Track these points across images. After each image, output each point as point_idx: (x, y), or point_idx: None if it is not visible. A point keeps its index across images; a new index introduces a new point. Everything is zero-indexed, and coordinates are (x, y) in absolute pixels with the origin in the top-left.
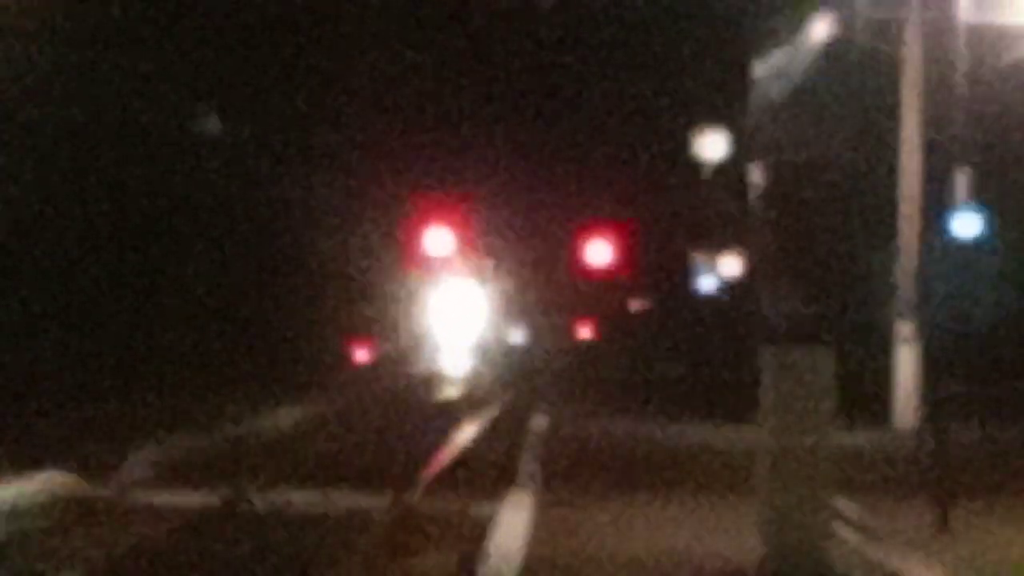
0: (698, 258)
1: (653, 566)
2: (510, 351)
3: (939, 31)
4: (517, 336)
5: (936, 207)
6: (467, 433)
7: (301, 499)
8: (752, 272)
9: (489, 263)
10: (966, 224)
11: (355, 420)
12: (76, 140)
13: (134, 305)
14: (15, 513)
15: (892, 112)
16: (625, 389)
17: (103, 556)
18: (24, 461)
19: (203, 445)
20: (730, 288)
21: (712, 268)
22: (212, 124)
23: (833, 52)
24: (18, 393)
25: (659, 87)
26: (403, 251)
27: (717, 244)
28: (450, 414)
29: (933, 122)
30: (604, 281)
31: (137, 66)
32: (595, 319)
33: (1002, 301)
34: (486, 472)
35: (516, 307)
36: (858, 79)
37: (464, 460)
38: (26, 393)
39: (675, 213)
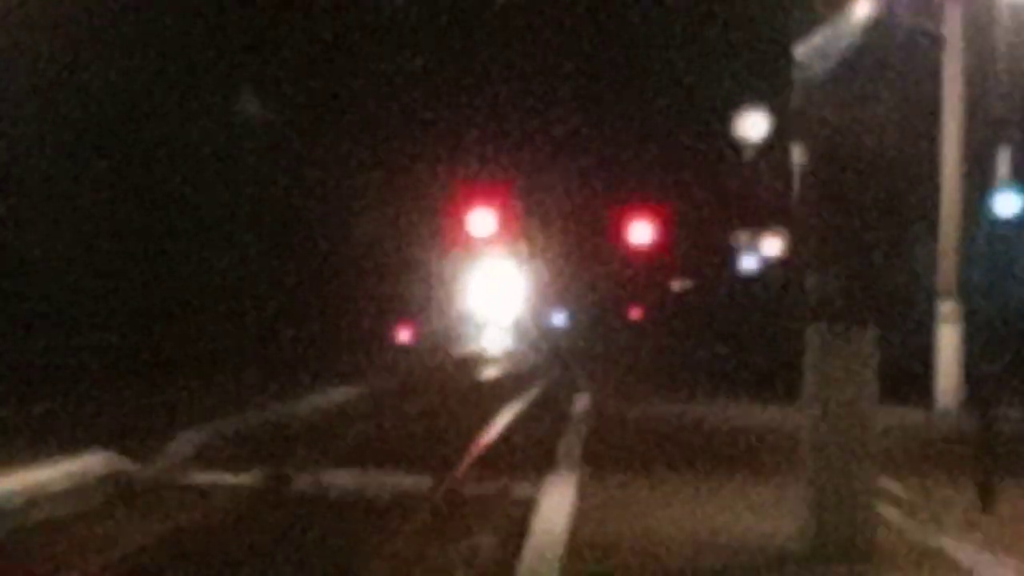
0: (740, 238)
1: (696, 545)
2: (551, 331)
3: (980, 9)
4: (558, 316)
5: (977, 186)
6: (509, 413)
7: (344, 480)
8: (794, 252)
9: (530, 244)
10: (1007, 203)
11: (397, 401)
12: (115, 123)
13: (178, 287)
14: (59, 494)
15: (933, 90)
16: (667, 369)
17: (146, 536)
18: (68, 442)
19: (247, 426)
20: (772, 268)
21: (754, 248)
22: (251, 106)
23: (874, 31)
24: (63, 374)
25: (701, 67)
26: (446, 232)
27: (759, 224)
28: (492, 394)
29: (974, 100)
30: (646, 262)
31: (175, 49)
32: (637, 299)
33: None
34: (528, 452)
35: (557, 288)
36: (899, 58)
37: (506, 440)
38: (70, 374)
39: (717, 193)
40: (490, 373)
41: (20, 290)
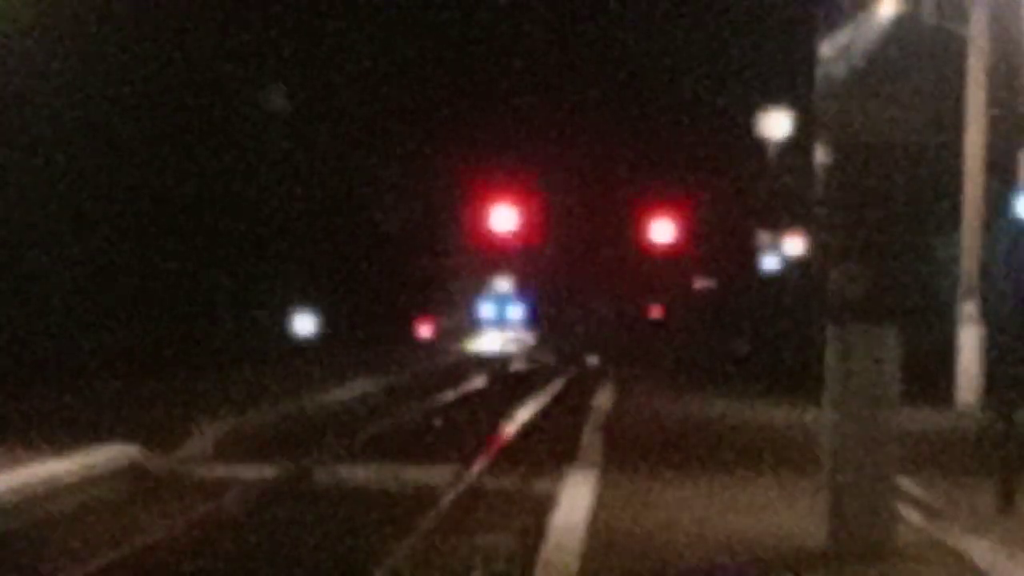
0: (763, 237)
1: (715, 542)
2: (574, 328)
3: (1006, 8)
4: (581, 313)
5: (1000, 187)
6: (530, 409)
7: (363, 474)
8: (816, 251)
9: (553, 241)
10: None
11: (418, 395)
12: (148, 118)
13: (199, 280)
14: (81, 485)
15: (958, 90)
16: (688, 367)
17: (165, 529)
18: (90, 434)
19: (267, 419)
20: (794, 267)
21: (776, 247)
22: (278, 100)
23: (899, 30)
24: (85, 367)
25: (724, 66)
26: (468, 228)
27: (782, 223)
28: (513, 390)
29: (999, 101)
30: (668, 259)
31: (205, 43)
32: (659, 297)
33: None
34: (549, 448)
35: (579, 285)
36: (924, 57)
37: (527, 436)
38: (92, 367)
39: (739, 192)
40: (511, 368)
41: (44, 284)
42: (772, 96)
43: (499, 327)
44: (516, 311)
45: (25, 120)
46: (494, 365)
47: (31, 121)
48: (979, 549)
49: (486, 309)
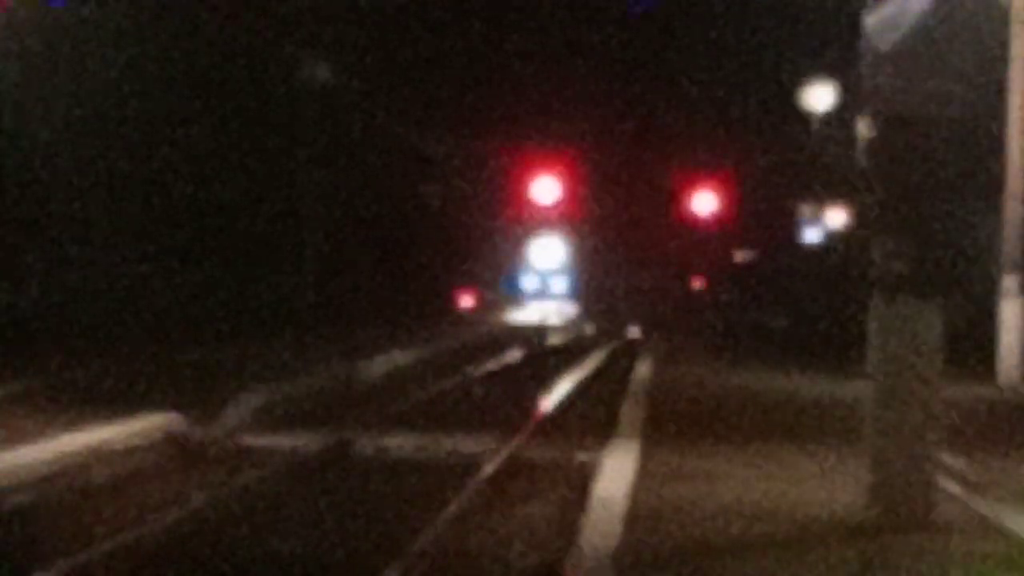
0: (805, 210)
1: (757, 513)
2: (613, 300)
3: None
4: (620, 285)
5: None
6: (570, 380)
7: (404, 443)
8: (859, 224)
9: (594, 213)
10: None
11: (459, 366)
12: (192, 91)
13: (240, 251)
14: (119, 453)
15: (1001, 64)
16: (729, 340)
17: (206, 498)
18: (129, 403)
19: (306, 388)
20: (837, 240)
21: (818, 220)
22: (320, 72)
23: (944, 3)
24: (125, 335)
25: (768, 38)
26: (510, 199)
27: (824, 196)
28: (554, 361)
29: None
30: (709, 232)
31: (248, 15)
32: (699, 270)
33: None
34: (589, 419)
35: (620, 257)
36: (969, 31)
37: (567, 407)
38: (133, 335)
39: (782, 164)
40: (552, 340)
41: (84, 255)
42: (816, 68)
43: (541, 299)
44: (558, 283)
45: (86, 93)
46: (535, 336)
47: (90, 93)
48: (1019, 523)
49: (528, 281)
